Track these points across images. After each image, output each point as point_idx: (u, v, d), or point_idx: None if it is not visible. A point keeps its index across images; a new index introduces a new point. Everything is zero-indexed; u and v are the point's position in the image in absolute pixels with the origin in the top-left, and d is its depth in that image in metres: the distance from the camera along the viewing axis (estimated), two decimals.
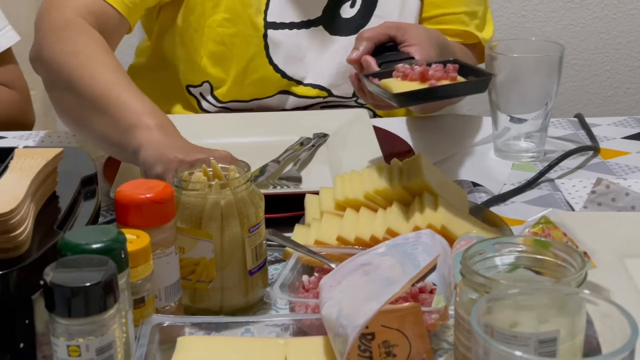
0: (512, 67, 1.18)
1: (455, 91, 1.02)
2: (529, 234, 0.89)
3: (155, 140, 0.95)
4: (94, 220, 0.86)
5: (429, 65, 1.04)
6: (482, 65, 1.25)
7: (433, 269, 0.75)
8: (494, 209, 1.05)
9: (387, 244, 0.80)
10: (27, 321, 0.74)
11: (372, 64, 1.08)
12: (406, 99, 1.00)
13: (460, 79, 1.02)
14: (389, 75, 1.04)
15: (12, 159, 0.84)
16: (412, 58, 1.08)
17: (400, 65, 1.03)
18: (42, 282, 0.68)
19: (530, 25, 2.12)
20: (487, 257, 0.77)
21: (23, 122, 1.40)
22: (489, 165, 1.18)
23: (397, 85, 1.01)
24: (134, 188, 0.82)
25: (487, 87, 1.01)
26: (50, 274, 0.68)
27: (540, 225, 0.88)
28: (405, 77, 1.02)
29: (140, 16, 1.24)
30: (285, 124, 1.29)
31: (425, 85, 1.00)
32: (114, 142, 1.00)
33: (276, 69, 1.32)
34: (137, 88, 1.03)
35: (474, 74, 1.03)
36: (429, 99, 1.03)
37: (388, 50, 1.11)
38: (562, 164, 1.17)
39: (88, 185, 0.89)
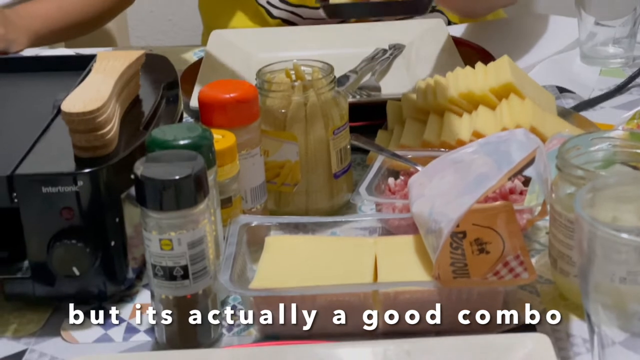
0: None
1: (389, 11, 0.93)
2: (623, 130, 0.85)
3: None
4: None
5: None
6: None
7: (529, 164, 0.72)
8: (583, 114, 1.01)
9: (478, 143, 0.77)
10: (117, 219, 0.74)
11: None
12: (335, 12, 0.93)
13: None
14: None
15: (95, 62, 0.83)
16: None
17: None
18: (132, 177, 0.68)
19: None
20: (584, 152, 0.74)
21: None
22: (576, 71, 1.14)
23: None
24: (218, 88, 0.81)
25: (427, 8, 0.90)
26: (141, 168, 0.68)
27: (635, 121, 0.85)
28: None
29: None
30: (360, 35, 1.26)
31: None
32: None
33: None
34: None
35: None
36: (361, 14, 0.95)
37: None
38: None
39: (170, 89, 0.88)
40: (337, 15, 0.97)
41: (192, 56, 1.28)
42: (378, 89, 1.11)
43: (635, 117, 0.85)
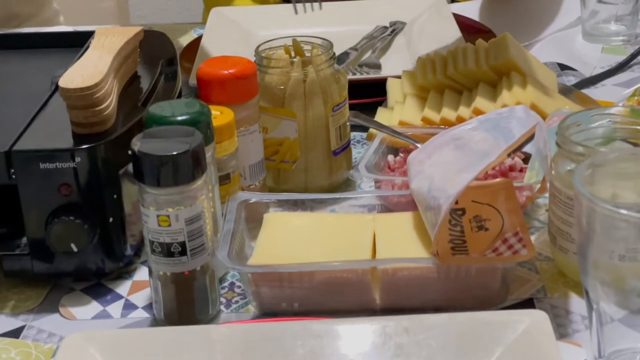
0: None
1: None
2: (624, 106, 0.85)
3: None
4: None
5: None
6: None
7: (528, 140, 0.72)
8: (584, 92, 1.01)
9: (478, 119, 0.77)
10: (115, 196, 0.74)
11: None
12: None
13: None
14: None
15: (93, 38, 0.83)
16: None
17: None
18: (129, 152, 0.68)
19: None
20: (584, 128, 0.74)
21: None
22: (577, 48, 1.13)
23: None
24: (217, 65, 0.81)
25: None
26: (138, 144, 0.67)
27: (636, 98, 0.84)
28: None
29: None
30: (361, 12, 1.25)
31: None
32: None
33: None
34: None
35: None
36: None
37: None
38: None
39: (169, 66, 0.88)
40: None
41: (192, 34, 1.27)
42: (378, 66, 1.11)
43: (636, 93, 0.85)
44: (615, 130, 0.74)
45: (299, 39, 0.87)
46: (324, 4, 1.28)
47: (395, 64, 1.11)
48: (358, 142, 0.97)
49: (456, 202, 0.70)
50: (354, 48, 1.14)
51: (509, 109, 0.76)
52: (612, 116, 0.74)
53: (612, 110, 0.75)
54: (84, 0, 1.47)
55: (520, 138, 0.70)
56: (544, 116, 0.86)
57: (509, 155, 0.72)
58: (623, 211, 0.56)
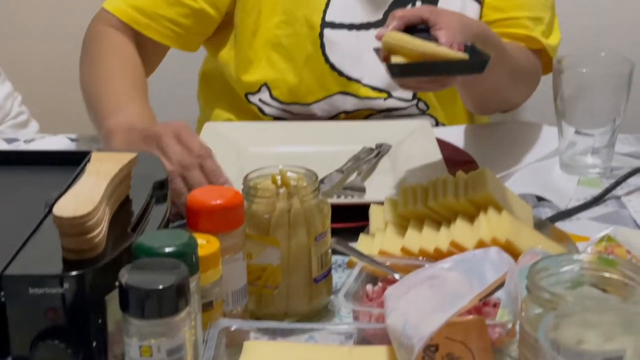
0: (580, 82, 1.17)
1: (450, 69, 1.03)
2: (593, 252, 0.88)
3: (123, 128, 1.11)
4: (165, 223, 0.88)
5: None
6: (549, 78, 1.24)
7: (500, 285, 0.75)
8: (559, 225, 1.05)
9: (454, 259, 0.80)
10: (99, 321, 0.76)
11: None
12: (399, 71, 1.03)
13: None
14: None
15: (89, 161, 0.86)
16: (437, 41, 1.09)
17: None
18: (117, 284, 0.70)
19: (597, 39, 2.08)
20: (553, 273, 0.77)
21: None
22: (555, 179, 1.18)
23: (398, 59, 1.04)
24: (206, 194, 0.84)
25: (484, 68, 1.01)
26: (126, 276, 0.70)
27: (604, 243, 0.88)
28: None
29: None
30: (348, 134, 1.29)
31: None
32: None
33: (332, 67, 1.32)
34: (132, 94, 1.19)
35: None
36: (423, 73, 1.05)
37: (419, 32, 1.10)
38: (629, 181, 1.16)
39: (159, 189, 0.91)
40: (401, 74, 1.05)
41: None
42: (363, 190, 1.14)
43: (604, 239, 0.89)
44: (583, 275, 0.77)
45: (285, 168, 0.91)
46: (314, 123, 1.33)
47: (379, 186, 1.15)
48: (339, 266, 1.00)
49: (430, 338, 0.73)
50: (340, 170, 1.18)
51: (484, 250, 0.80)
52: (580, 262, 0.77)
53: (580, 256, 0.78)
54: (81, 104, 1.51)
55: (492, 284, 0.73)
56: (518, 253, 0.89)
57: (480, 300, 0.75)
58: None
